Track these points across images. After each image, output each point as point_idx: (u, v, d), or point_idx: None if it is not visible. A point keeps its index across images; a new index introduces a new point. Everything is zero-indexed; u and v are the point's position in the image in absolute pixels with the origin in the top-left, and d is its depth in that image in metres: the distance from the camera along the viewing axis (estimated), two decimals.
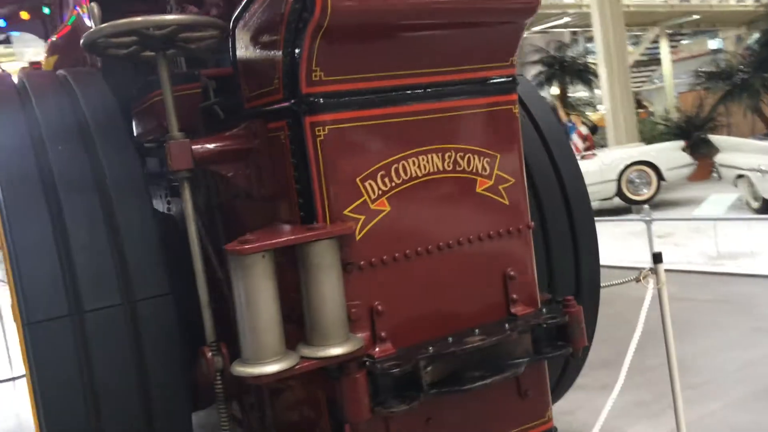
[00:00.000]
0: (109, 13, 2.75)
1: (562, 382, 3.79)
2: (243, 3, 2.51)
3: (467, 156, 2.60)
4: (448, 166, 2.56)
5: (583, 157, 13.54)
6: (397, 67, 2.43)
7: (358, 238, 2.38)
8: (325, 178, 2.33)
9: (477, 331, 2.55)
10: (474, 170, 2.62)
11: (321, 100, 2.31)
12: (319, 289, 2.19)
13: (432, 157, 2.52)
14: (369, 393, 2.29)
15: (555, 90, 20.48)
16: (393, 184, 2.45)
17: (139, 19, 2.42)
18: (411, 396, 2.34)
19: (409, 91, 2.46)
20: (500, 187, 2.68)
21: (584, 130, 16.18)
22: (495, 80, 2.65)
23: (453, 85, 2.55)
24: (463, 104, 2.59)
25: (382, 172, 2.42)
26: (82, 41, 2.48)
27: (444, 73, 2.53)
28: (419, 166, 2.50)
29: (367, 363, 2.32)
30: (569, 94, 20.79)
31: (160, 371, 2.59)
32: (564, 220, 3.58)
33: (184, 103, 2.85)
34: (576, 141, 15.26)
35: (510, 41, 2.64)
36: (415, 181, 2.49)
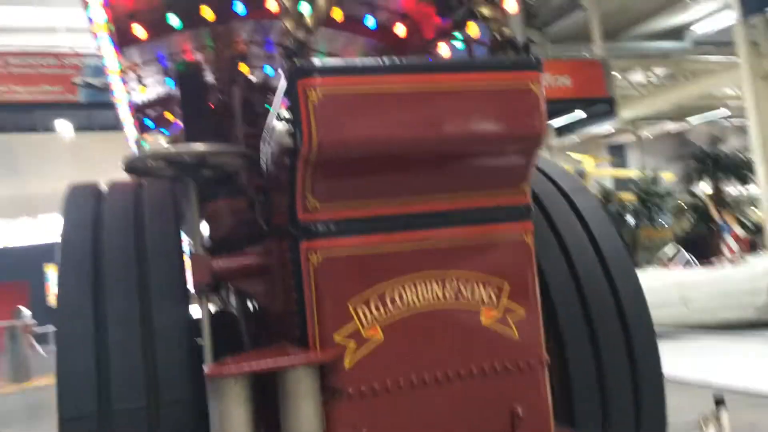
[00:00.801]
0: None
1: None
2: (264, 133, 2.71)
3: (470, 285, 2.56)
4: (450, 296, 2.53)
5: (730, 261, 12.52)
6: (394, 195, 2.48)
7: (348, 365, 2.39)
8: (317, 303, 2.40)
9: None
10: (478, 300, 2.57)
11: (315, 227, 2.40)
12: (295, 417, 2.22)
13: (432, 286, 2.51)
14: None
15: (706, 187, 19.33)
16: (387, 312, 2.46)
17: (173, 149, 2.67)
18: None
19: (407, 220, 2.50)
20: (509, 319, 2.60)
21: (740, 231, 15.04)
22: (503, 208, 2.61)
23: (455, 214, 2.55)
24: (467, 233, 2.57)
25: (376, 299, 2.45)
26: (123, 165, 2.77)
27: (444, 201, 2.54)
28: (417, 296, 2.50)
29: None
30: (726, 190, 19.52)
31: None
32: (621, 348, 3.36)
33: (233, 214, 3.06)
34: (730, 243, 14.18)
35: (519, 168, 2.61)
36: (412, 311, 2.49)
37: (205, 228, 3.30)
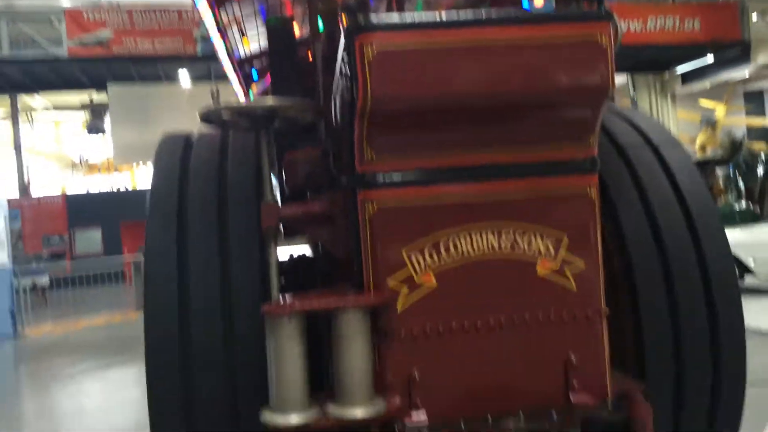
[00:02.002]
0: None
1: None
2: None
3: (528, 237, 2.57)
4: (505, 246, 2.56)
5: None
6: (452, 147, 2.52)
7: (400, 309, 2.50)
8: (372, 250, 2.51)
9: (521, 415, 2.50)
10: (535, 251, 2.58)
11: (372, 178, 2.49)
12: (344, 356, 2.37)
13: (487, 236, 2.55)
14: None
15: None
16: (441, 260, 2.53)
17: (245, 103, 2.81)
18: None
19: (463, 172, 2.53)
20: (567, 271, 2.60)
21: None
22: (566, 162, 2.59)
23: (514, 167, 2.56)
24: (527, 185, 2.57)
25: (430, 248, 2.52)
26: (198, 114, 2.94)
27: (503, 154, 2.55)
28: (472, 245, 2.54)
29: (396, 427, 2.43)
30: None
31: None
32: (701, 307, 3.27)
33: (308, 163, 3.21)
34: None
35: (583, 122, 2.57)
36: (467, 259, 2.54)
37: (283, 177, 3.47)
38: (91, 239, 23.10)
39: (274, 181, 2.93)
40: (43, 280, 17.59)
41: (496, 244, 2.56)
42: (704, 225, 3.39)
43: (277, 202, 2.87)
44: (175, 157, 3.28)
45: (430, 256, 2.52)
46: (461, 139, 2.52)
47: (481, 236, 2.55)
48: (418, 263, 2.52)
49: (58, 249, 23.19)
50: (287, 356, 2.33)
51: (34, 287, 16.44)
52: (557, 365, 2.59)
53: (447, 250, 2.53)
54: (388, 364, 2.50)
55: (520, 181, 2.57)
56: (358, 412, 2.36)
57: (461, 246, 2.54)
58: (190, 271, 2.88)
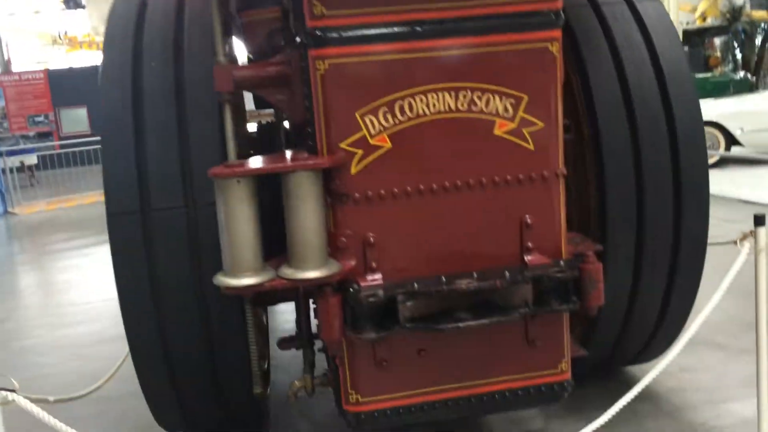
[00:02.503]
0: None
1: (654, 342, 3.57)
2: None
3: (486, 96, 2.50)
4: (462, 106, 2.50)
5: None
6: (404, 0, 2.39)
7: (354, 171, 2.47)
8: (324, 111, 2.44)
9: (474, 275, 2.54)
10: (493, 111, 2.52)
11: (323, 35, 2.38)
12: (295, 217, 2.36)
13: (443, 96, 2.48)
14: (341, 317, 2.44)
15: None
16: (396, 120, 2.47)
17: None
18: (386, 327, 2.45)
19: (419, 27, 2.42)
20: (525, 131, 2.55)
21: None
22: (523, 14, 2.47)
23: (470, 21, 2.44)
24: (483, 41, 2.47)
25: (385, 109, 2.46)
26: None
27: (457, 7, 2.43)
28: (428, 105, 2.48)
29: (350, 289, 2.47)
30: None
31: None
32: (667, 166, 3.26)
33: (267, 23, 3.07)
34: None
35: None
36: (422, 120, 2.48)
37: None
38: (77, 118, 22.80)
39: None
40: (31, 159, 17.51)
41: (452, 104, 2.49)
42: (676, 88, 3.32)
43: (233, 63, 2.76)
44: (129, 27, 3.14)
45: (385, 116, 2.46)
46: None
47: (437, 96, 2.48)
48: (372, 124, 2.46)
49: (45, 128, 22.94)
50: (237, 219, 2.32)
51: (21, 167, 16.39)
52: (513, 226, 2.60)
53: (402, 110, 2.47)
54: (342, 227, 2.50)
55: (476, 37, 2.47)
56: (310, 274, 2.38)
57: (417, 106, 2.47)
58: (147, 143, 2.82)
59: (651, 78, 3.33)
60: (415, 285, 2.47)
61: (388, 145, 2.48)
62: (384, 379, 2.63)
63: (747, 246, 3.04)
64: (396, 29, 2.41)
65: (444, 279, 2.52)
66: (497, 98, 2.51)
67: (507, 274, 2.52)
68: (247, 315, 2.80)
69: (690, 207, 3.32)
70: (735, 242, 3.10)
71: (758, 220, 3.01)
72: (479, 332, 2.57)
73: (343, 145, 2.46)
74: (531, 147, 2.56)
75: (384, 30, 2.41)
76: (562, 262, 2.60)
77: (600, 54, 3.36)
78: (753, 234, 3.02)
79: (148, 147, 2.82)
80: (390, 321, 2.47)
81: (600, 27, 3.43)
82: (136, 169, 2.79)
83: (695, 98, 3.38)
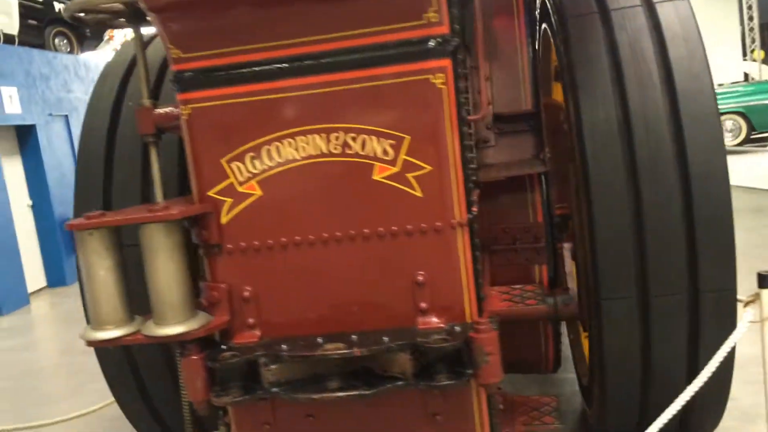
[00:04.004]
0: None
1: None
2: None
3: (361, 137, 2.21)
4: (335, 149, 2.23)
5: None
6: (264, 38, 2.19)
7: (224, 220, 2.32)
8: (193, 157, 2.32)
9: (354, 338, 2.26)
10: (370, 154, 2.22)
11: (183, 78, 2.27)
12: (150, 272, 2.25)
13: (313, 139, 2.24)
14: (204, 376, 2.30)
15: None
16: (265, 166, 2.27)
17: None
18: (250, 390, 2.27)
19: (279, 65, 2.20)
20: (409, 176, 2.21)
21: None
22: (400, 44, 2.14)
23: (339, 55, 2.17)
24: (355, 76, 2.18)
25: (252, 154, 2.27)
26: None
27: (324, 41, 2.16)
28: (297, 149, 2.25)
29: (222, 347, 2.33)
30: None
31: None
32: (674, 206, 2.68)
33: None
34: None
35: None
36: (293, 165, 2.26)
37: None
38: None
39: None
40: None
41: (324, 147, 2.24)
42: (692, 109, 2.73)
43: (153, 106, 2.73)
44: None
45: (252, 162, 2.28)
46: (270, 28, 2.18)
47: (306, 139, 2.24)
48: (240, 171, 2.29)
49: None
50: (94, 271, 2.27)
51: None
52: (402, 284, 2.27)
53: (270, 155, 2.26)
54: (215, 279, 2.36)
55: (345, 73, 2.18)
56: (169, 330, 2.26)
57: (285, 151, 2.26)
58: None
59: (658, 97, 2.76)
60: (284, 347, 2.26)
61: (259, 192, 2.29)
62: None
63: (750, 312, 2.39)
64: (255, 69, 2.22)
65: (320, 341, 2.27)
66: (374, 139, 2.21)
67: (385, 339, 2.20)
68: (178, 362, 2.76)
69: (707, 255, 2.69)
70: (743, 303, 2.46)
71: (763, 280, 2.35)
72: (373, 400, 2.28)
73: (211, 194, 2.31)
74: (418, 194, 2.22)
75: (243, 71, 2.22)
76: (457, 328, 2.22)
77: (596, 71, 2.85)
78: (757, 297, 2.37)
79: (89, 191, 2.98)
80: (256, 384, 2.28)
81: (603, 38, 2.91)
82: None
83: (716, 121, 2.73)
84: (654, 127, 2.74)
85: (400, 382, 2.19)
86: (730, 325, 2.75)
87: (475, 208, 2.35)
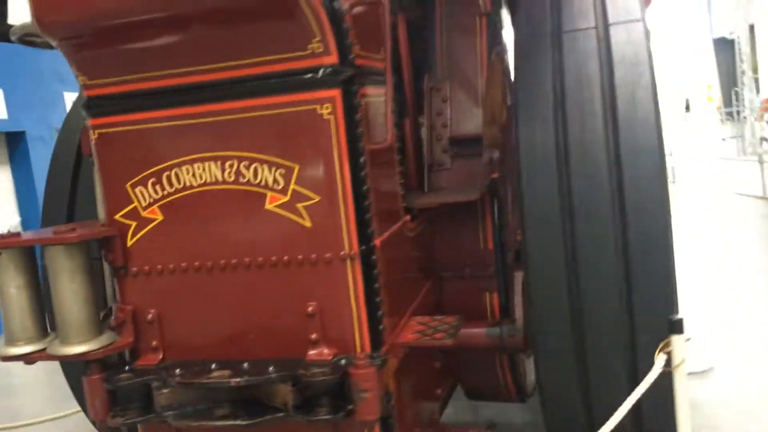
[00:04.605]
0: None
1: None
2: None
3: (253, 166, 2.22)
4: (229, 177, 2.24)
5: None
6: (160, 66, 2.22)
7: (129, 244, 2.37)
8: (101, 181, 2.39)
9: (245, 365, 2.26)
10: (262, 183, 2.22)
11: (90, 104, 2.33)
12: (53, 291, 2.32)
13: (209, 166, 2.25)
14: (103, 397, 2.35)
15: None
16: (165, 192, 2.31)
17: None
18: (144, 413, 2.31)
19: (178, 93, 2.23)
20: (299, 206, 2.20)
21: None
22: (287, 75, 2.13)
23: (230, 84, 2.18)
24: (246, 105, 2.19)
25: (153, 179, 2.31)
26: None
27: (216, 71, 2.18)
28: (194, 175, 2.27)
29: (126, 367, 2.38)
30: None
31: None
32: (610, 238, 2.57)
33: None
34: None
35: (301, 25, 2.06)
36: (191, 191, 2.29)
37: None
38: None
39: None
40: None
41: (219, 175, 2.25)
42: (633, 139, 2.60)
43: None
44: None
45: (154, 188, 2.32)
46: (164, 57, 2.21)
47: (203, 166, 2.26)
48: (143, 196, 2.33)
49: None
50: (5, 289, 2.35)
51: None
52: (295, 314, 2.25)
53: (170, 182, 2.30)
54: (122, 301, 2.41)
55: (236, 102, 2.19)
56: (70, 349, 2.32)
57: (184, 177, 2.29)
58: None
59: (599, 126, 2.64)
60: (178, 371, 2.28)
61: (160, 217, 2.33)
62: None
63: (662, 358, 2.25)
64: (155, 97, 2.26)
65: (213, 367, 2.28)
66: (266, 168, 2.21)
67: (270, 369, 2.19)
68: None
69: (643, 292, 2.55)
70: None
71: (674, 326, 2.21)
72: (263, 428, 2.27)
73: (117, 217, 2.37)
74: (308, 224, 2.20)
75: (144, 98, 2.27)
76: (343, 361, 2.19)
77: (539, 94, 2.75)
78: (668, 344, 2.23)
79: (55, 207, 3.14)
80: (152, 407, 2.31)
81: (551, 61, 2.81)
82: None
83: (657, 151, 2.59)
84: (592, 157, 2.62)
85: (280, 414, 2.17)
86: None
87: (379, 240, 2.32)
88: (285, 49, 2.11)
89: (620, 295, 2.57)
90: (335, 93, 2.13)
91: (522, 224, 2.68)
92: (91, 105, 2.33)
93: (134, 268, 2.37)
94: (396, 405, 2.40)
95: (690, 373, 2.38)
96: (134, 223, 2.35)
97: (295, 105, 2.14)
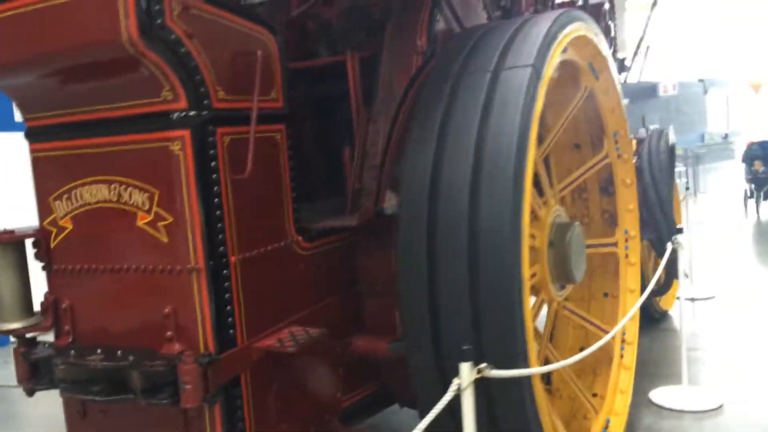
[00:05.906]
0: None
1: None
2: None
3: (129, 189, 2.69)
4: (113, 197, 2.74)
5: None
6: (62, 106, 2.77)
7: (52, 245, 2.94)
8: (35, 194, 2.98)
9: (119, 353, 2.74)
10: (134, 204, 2.69)
11: (27, 131, 2.93)
12: None
13: (101, 188, 2.77)
14: (25, 366, 2.94)
15: None
16: (73, 206, 2.85)
17: None
18: (47, 383, 2.88)
19: (75, 128, 2.77)
20: (159, 225, 2.65)
21: None
22: (147, 116, 2.59)
23: (109, 122, 2.68)
24: (119, 140, 2.68)
25: (66, 195, 2.86)
26: None
27: (98, 111, 2.69)
28: (91, 194, 2.79)
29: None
30: None
31: None
32: (464, 279, 2.78)
33: None
34: None
35: (150, 77, 2.50)
36: (90, 207, 2.81)
37: None
38: None
39: None
40: None
41: (107, 195, 2.76)
42: (490, 183, 2.79)
43: None
44: None
45: (66, 202, 2.86)
46: (59, 99, 2.75)
47: (97, 187, 2.77)
48: (60, 208, 2.89)
49: None
50: None
51: None
52: (156, 314, 2.70)
53: (76, 198, 2.84)
54: (48, 292, 2.99)
55: (112, 137, 2.69)
56: (2, 326, 2.95)
57: (84, 195, 2.81)
58: None
59: (467, 167, 2.84)
60: (72, 352, 2.81)
61: (71, 226, 2.88)
62: (86, 427, 3.02)
63: (456, 384, 2.44)
64: (63, 129, 2.81)
65: (98, 351, 2.78)
66: (137, 192, 2.68)
67: (131, 358, 2.66)
68: None
69: (488, 321, 2.75)
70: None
71: (464, 354, 2.41)
72: (138, 408, 2.75)
73: (44, 224, 2.95)
74: (165, 240, 2.64)
75: (56, 130, 2.83)
76: (181, 357, 2.60)
77: (426, 137, 3.00)
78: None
79: None
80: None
81: (445, 103, 3.04)
82: None
83: (509, 185, 2.74)
84: (454, 199, 2.82)
85: (129, 396, 2.63)
86: (517, 393, 2.77)
87: (237, 256, 2.71)
88: (143, 95, 2.57)
89: (470, 325, 2.77)
90: (184, 133, 2.55)
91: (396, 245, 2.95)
92: (28, 133, 2.93)
93: (55, 266, 2.94)
94: (254, 399, 2.79)
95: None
96: (55, 230, 2.92)
97: (154, 142, 2.60)
